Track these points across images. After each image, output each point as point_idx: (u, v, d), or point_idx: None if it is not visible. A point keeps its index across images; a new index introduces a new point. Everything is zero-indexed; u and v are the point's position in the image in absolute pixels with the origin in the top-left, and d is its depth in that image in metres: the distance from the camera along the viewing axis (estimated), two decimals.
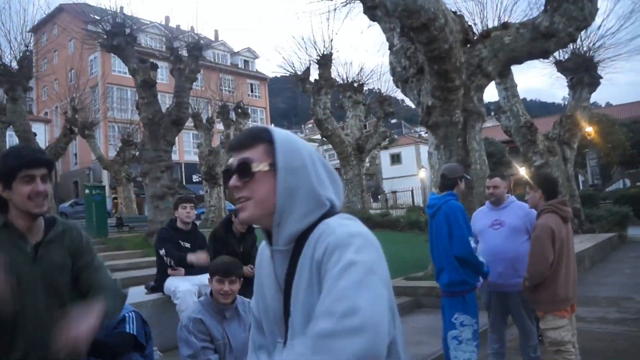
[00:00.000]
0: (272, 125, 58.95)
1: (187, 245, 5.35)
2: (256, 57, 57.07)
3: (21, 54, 18.67)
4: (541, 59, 12.90)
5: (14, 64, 18.36)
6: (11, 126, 20.60)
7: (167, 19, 49.88)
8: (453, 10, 8.21)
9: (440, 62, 7.57)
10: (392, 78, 9.92)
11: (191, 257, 5.18)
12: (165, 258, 5.34)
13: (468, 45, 8.23)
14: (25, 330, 2.10)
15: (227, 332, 3.34)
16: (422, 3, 6.69)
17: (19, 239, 2.14)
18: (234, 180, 1.34)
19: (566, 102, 18.81)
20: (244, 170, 1.32)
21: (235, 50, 55.72)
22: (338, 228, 1.24)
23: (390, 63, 9.78)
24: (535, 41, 8.20)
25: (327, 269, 1.18)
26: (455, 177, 4.41)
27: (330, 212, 1.34)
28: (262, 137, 1.34)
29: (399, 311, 1.35)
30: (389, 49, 9.81)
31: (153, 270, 8.15)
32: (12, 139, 27.56)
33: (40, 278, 2.15)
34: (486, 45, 8.24)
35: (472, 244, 4.15)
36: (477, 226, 4.71)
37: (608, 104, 47.78)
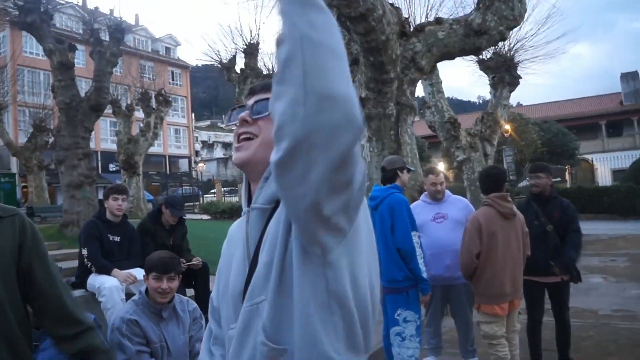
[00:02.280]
0: (193, 115, 57.64)
1: (117, 239, 4.96)
2: (178, 44, 55.51)
3: None
4: (465, 57, 13.24)
5: None
6: None
7: (84, 0, 47.57)
8: (390, 1, 8.20)
9: (376, 53, 7.51)
10: None
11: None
12: (85, 260, 4.92)
13: (404, 38, 8.23)
14: None
15: (165, 334, 3.07)
16: None
17: None
18: (245, 114, 1.22)
19: (482, 101, 19.51)
20: (260, 108, 1.19)
21: (157, 37, 53.96)
22: None
23: None
24: (467, 37, 8.33)
25: None
26: (394, 167, 4.34)
27: None
28: None
29: None
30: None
31: (70, 264, 7.60)
32: None
33: None
34: (420, 40, 8.29)
35: (416, 239, 4.09)
36: (417, 221, 4.69)
37: (519, 104, 50.08)
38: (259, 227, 1.17)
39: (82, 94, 13.14)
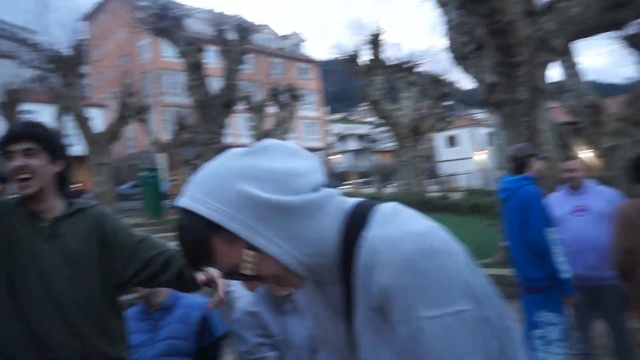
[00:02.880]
0: (326, 108, 58.63)
1: None
2: (304, 40, 56.86)
3: (75, 41, 19.13)
4: (610, 33, 12.14)
5: (67, 52, 18.86)
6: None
7: (212, 5, 50.26)
8: None
9: (502, 36, 7.11)
10: (448, 58, 9.54)
11: None
12: None
13: (532, 18, 7.69)
14: (38, 314, 1.86)
15: (286, 328, 3.08)
16: None
17: (31, 216, 1.93)
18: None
19: (629, 82, 17.80)
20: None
21: (284, 34, 55.64)
22: (387, 250, 0.92)
23: (448, 40, 9.35)
24: (607, 11, 7.58)
25: (395, 325, 0.93)
26: (522, 156, 4.01)
27: (359, 209, 1.01)
28: (205, 234, 0.99)
29: None
30: (446, 25, 9.39)
31: None
32: (70, 123, 28.43)
33: (60, 256, 1.92)
34: (551, 18, 7.68)
35: (554, 235, 3.73)
36: (556, 214, 4.27)
37: None
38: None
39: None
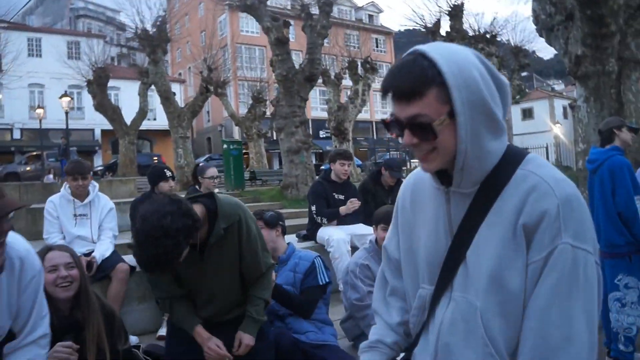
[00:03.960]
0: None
1: (341, 197, 5.56)
2: (380, 11, 56.19)
3: (159, 18, 20.01)
4: None
5: (152, 30, 19.72)
6: (152, 86, 22.24)
7: None
8: None
9: (594, 5, 7.04)
10: (531, 27, 9.43)
11: (342, 210, 5.38)
12: (315, 215, 5.60)
13: None
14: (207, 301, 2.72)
15: None
16: None
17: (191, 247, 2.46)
18: (409, 138, 1.17)
19: None
20: (422, 129, 1.14)
21: (360, 5, 55.21)
22: (556, 186, 1.15)
23: (534, 10, 9.25)
24: None
25: (543, 245, 1.13)
26: (609, 127, 4.14)
27: (514, 149, 1.24)
28: (430, 80, 1.12)
29: None
30: None
31: (294, 222, 8.62)
32: (152, 99, 29.79)
33: (210, 270, 2.59)
34: None
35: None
36: None
37: None
38: (462, 209, 1.23)
39: (297, 66, 14.27)
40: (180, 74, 48.59)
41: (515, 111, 50.39)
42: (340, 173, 5.59)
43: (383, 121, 1.26)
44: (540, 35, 9.27)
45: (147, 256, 2.08)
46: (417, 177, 1.42)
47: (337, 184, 5.64)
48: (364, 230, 5.42)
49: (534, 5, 9.14)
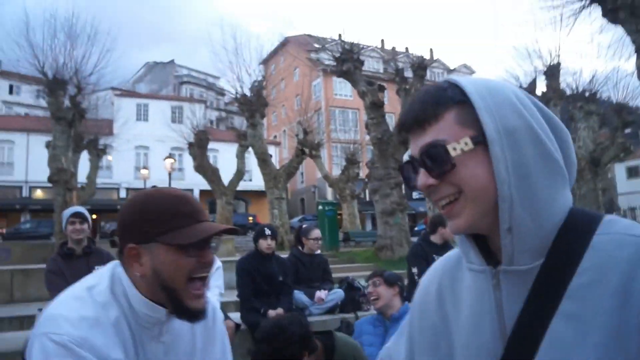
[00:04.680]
0: None
1: None
2: (473, 72, 56.15)
3: (257, 84, 21.05)
4: None
5: (251, 94, 20.76)
6: (250, 148, 23.18)
7: (382, 42, 51.88)
8: None
9: None
10: (635, 82, 9.15)
11: None
12: (416, 278, 5.54)
13: None
14: None
15: None
16: None
17: None
18: (423, 178, 0.87)
19: None
20: (436, 159, 0.85)
21: (452, 68, 55.52)
22: None
23: (638, 68, 9.00)
24: None
25: None
26: None
27: (579, 209, 0.88)
28: (448, 98, 0.87)
29: None
30: (636, 52, 9.06)
31: None
32: (248, 160, 31.02)
33: None
34: None
35: None
36: None
37: None
38: (520, 296, 0.85)
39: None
40: (275, 137, 50.38)
41: (620, 170, 47.84)
42: (447, 236, 5.60)
43: (399, 168, 0.98)
44: None
45: (262, 352, 2.20)
46: (444, 264, 1.04)
47: (437, 245, 5.61)
48: None
49: (638, 63, 8.89)
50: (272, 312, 4.84)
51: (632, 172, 47.81)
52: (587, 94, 21.33)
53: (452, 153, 0.83)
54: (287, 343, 2.19)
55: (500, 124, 0.83)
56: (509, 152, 0.82)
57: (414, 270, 5.57)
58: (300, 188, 48.02)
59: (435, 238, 5.67)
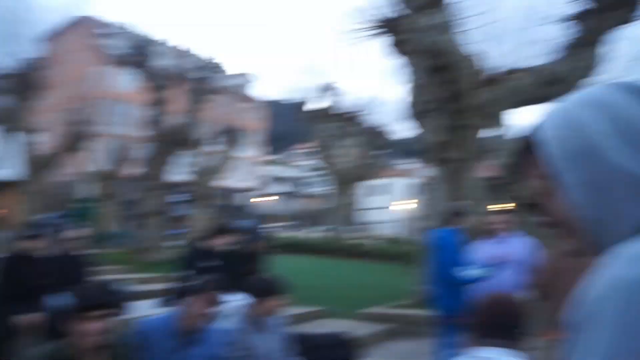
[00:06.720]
0: (272, 148, 57.87)
1: None
2: (251, 81, 57.09)
3: (36, 61, 18.58)
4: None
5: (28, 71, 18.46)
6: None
7: (172, 39, 49.97)
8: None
9: (455, 101, 8.04)
10: (393, 110, 10.17)
11: None
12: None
13: (482, 88, 8.66)
14: None
15: None
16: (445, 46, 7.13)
17: None
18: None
19: None
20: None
21: (232, 73, 55.85)
22: None
23: (410, 96, 10.02)
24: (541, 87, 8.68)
25: None
26: (455, 211, 5.16)
27: None
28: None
29: None
30: (411, 83, 10.06)
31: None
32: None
33: None
34: (497, 89, 8.69)
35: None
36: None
37: None
38: None
39: None
40: (46, 122, 45.30)
41: (368, 187, 51.77)
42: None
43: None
44: (413, 119, 10.04)
45: None
46: None
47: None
48: None
49: (412, 92, 9.95)
50: None
51: (376, 190, 50.95)
52: (348, 115, 23.39)
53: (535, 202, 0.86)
54: None
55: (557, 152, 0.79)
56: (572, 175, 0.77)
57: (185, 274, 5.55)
58: (61, 181, 44.01)
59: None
